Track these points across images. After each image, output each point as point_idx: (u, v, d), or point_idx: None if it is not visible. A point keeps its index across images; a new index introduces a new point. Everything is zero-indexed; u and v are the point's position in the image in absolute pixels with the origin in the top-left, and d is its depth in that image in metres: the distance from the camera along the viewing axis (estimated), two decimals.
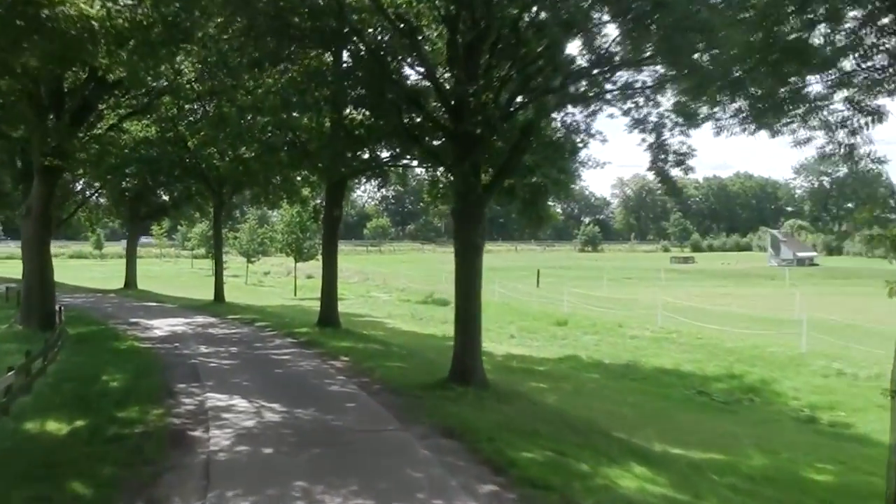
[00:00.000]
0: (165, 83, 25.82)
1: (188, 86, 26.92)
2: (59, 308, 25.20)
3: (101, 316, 29.73)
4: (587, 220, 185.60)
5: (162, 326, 25.87)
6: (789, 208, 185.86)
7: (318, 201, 33.66)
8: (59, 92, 23.53)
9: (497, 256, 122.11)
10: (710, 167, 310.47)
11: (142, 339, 23.15)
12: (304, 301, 45.94)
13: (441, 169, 22.78)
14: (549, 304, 44.49)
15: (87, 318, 28.26)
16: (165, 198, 41.54)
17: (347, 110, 21.02)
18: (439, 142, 18.70)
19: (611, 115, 15.80)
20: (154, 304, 34.89)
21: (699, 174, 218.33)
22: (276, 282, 63.58)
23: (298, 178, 32.79)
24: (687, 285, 64.75)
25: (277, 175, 30.09)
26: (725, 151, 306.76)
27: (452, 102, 15.77)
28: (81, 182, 42.40)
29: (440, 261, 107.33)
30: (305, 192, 35.25)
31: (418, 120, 18.22)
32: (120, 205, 41.09)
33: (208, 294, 43.91)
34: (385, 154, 24.84)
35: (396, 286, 57.12)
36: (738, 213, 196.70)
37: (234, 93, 23.55)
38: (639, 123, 14.70)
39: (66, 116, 23.53)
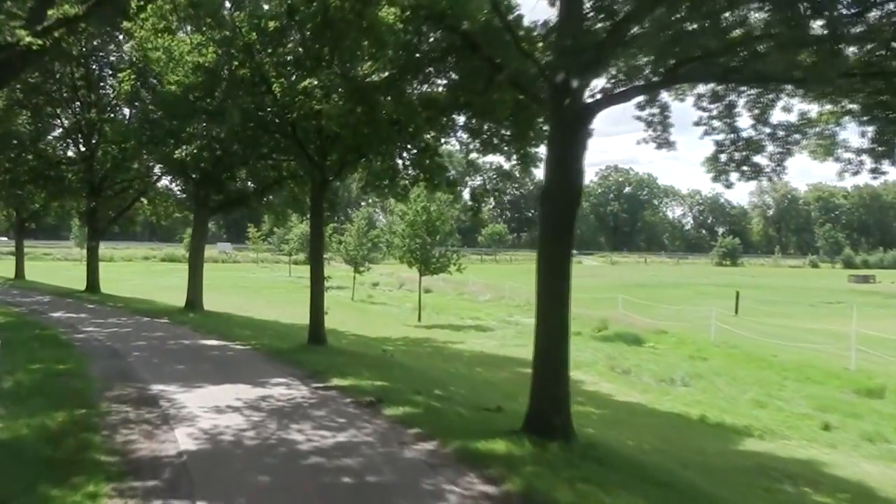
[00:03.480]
0: None
1: None
2: None
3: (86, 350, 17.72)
4: (721, 230, 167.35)
5: (192, 422, 13.04)
6: None
7: (481, 184, 21.00)
8: None
9: (631, 269, 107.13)
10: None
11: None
12: (433, 329, 33.19)
13: None
14: (785, 345, 30.16)
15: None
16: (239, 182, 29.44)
17: None
18: None
19: None
20: (215, 342, 22.45)
21: (847, 182, 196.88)
22: (387, 297, 51.17)
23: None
24: None
25: (420, 130, 17.28)
26: None
27: None
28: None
29: None
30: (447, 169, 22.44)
31: None
32: (186, 188, 29.47)
33: (302, 314, 31.83)
34: None
35: None
36: (893, 225, 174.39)
37: None
38: None
39: None
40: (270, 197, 30.38)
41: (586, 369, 23.89)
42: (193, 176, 27.08)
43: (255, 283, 58.82)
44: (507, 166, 19.98)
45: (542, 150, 18.48)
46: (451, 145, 22.05)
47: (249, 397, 12.77)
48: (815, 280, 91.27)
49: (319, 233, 20.17)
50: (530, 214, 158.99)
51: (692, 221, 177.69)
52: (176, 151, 22.05)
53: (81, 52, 30.52)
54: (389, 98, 14.91)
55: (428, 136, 20.53)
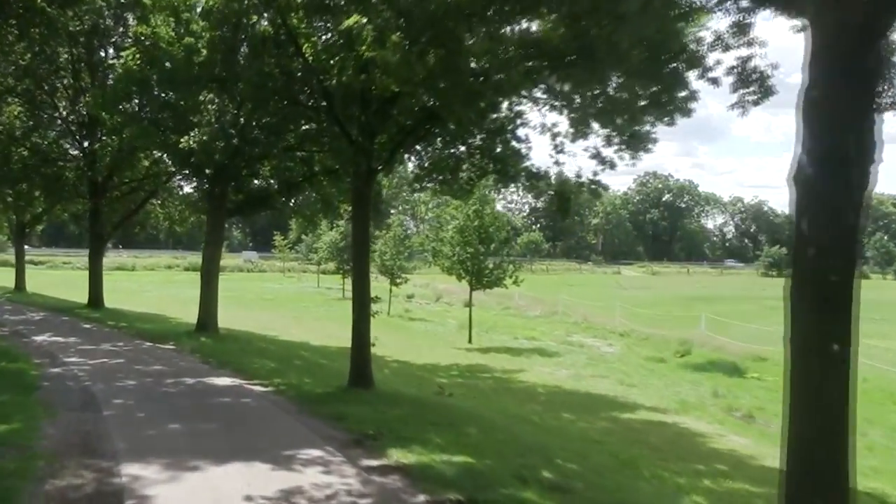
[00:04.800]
0: None
1: None
2: None
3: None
4: (762, 238, 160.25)
5: None
6: None
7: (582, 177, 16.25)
8: None
9: (675, 280, 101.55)
10: None
11: None
12: (488, 353, 28.28)
13: None
14: None
15: None
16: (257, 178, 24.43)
17: None
18: None
19: None
20: (228, 381, 17.42)
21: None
22: (425, 311, 46.30)
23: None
24: None
25: (516, 87, 12.32)
26: None
27: None
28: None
29: (607, 283, 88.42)
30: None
31: None
32: (198, 186, 24.71)
33: (334, 332, 27.47)
34: None
35: (606, 326, 38.58)
36: None
37: None
38: None
39: None
40: (300, 197, 25.70)
41: (697, 413, 18.85)
42: (207, 171, 22.44)
43: (281, 295, 54.33)
44: (607, 152, 15.11)
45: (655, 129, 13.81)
46: (531, 125, 17.21)
47: (269, 493, 8.03)
48: (880, 292, 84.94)
49: (363, 240, 15.35)
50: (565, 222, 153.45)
51: (734, 230, 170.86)
52: (182, 138, 17.39)
53: (80, 30, 26.12)
54: (474, 39, 10.08)
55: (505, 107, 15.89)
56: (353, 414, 12.15)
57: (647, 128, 13.84)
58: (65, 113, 28.17)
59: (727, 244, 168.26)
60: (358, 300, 15.19)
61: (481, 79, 10.66)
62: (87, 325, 24.46)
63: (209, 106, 17.83)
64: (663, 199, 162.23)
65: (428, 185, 19.28)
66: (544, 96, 13.92)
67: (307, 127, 20.12)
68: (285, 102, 15.29)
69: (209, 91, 16.52)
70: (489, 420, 13.89)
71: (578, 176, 16.35)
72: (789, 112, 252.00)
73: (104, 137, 25.23)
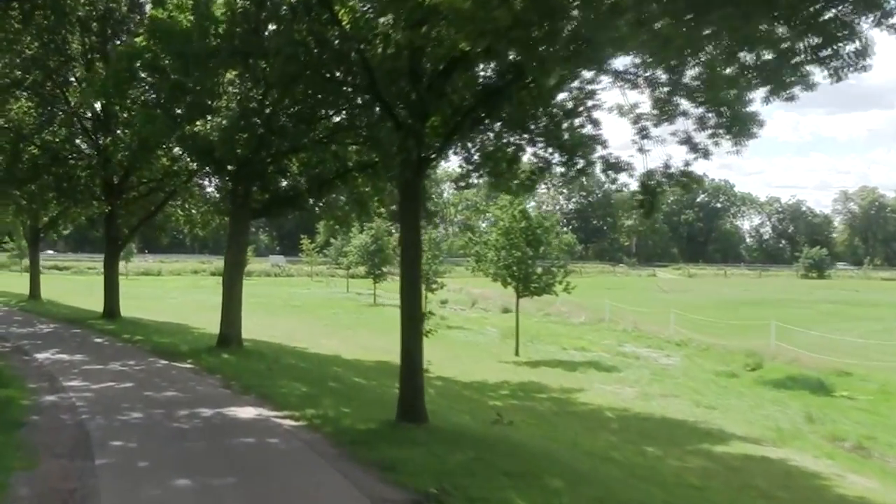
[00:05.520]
0: None
1: None
2: None
3: None
4: (801, 238, 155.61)
5: None
6: None
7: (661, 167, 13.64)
8: None
9: (714, 283, 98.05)
10: None
11: None
12: (539, 367, 25.66)
13: None
14: None
15: None
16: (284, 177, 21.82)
17: None
18: None
19: None
20: (252, 412, 15.05)
21: None
22: (462, 318, 43.67)
23: None
24: None
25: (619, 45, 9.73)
26: None
27: None
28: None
29: (646, 287, 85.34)
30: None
31: None
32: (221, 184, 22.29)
33: (369, 343, 25.31)
34: None
35: (660, 335, 35.72)
36: None
37: None
38: None
39: None
40: (330, 197, 23.24)
41: (798, 444, 16.10)
42: (229, 168, 20.08)
43: (310, 300, 51.98)
44: (700, 138, 12.47)
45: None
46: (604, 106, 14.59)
47: None
48: None
49: (413, 242, 12.72)
50: (597, 223, 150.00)
51: (770, 231, 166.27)
52: (198, 123, 14.98)
53: (92, 16, 23.92)
54: None
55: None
56: (407, 461, 9.65)
57: (752, 108, 11.35)
58: (77, 107, 25.97)
59: (763, 245, 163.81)
60: (407, 314, 12.60)
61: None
62: (99, 339, 22.18)
63: (230, 88, 15.38)
64: (697, 199, 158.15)
65: (478, 180, 16.71)
66: (633, 67, 11.35)
67: (340, 118, 17.72)
68: (318, 80, 12.71)
69: (230, 69, 14.05)
70: (569, 465, 11.29)
71: (667, 166, 13.68)
72: (818, 112, 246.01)
73: (118, 132, 22.97)
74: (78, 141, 27.27)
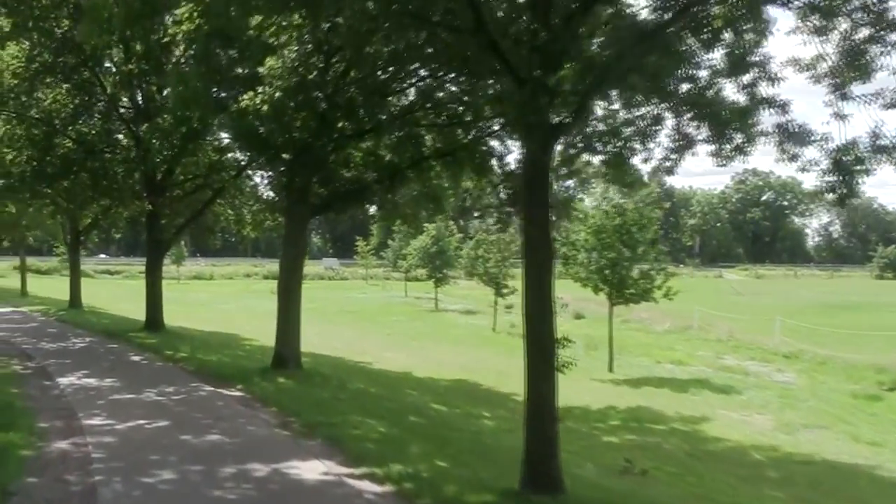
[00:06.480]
0: None
1: None
2: None
3: None
4: (873, 237, 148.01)
5: None
6: None
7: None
8: None
9: (785, 284, 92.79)
10: None
11: None
12: (641, 387, 22.04)
13: None
14: None
15: None
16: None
17: None
18: None
19: None
20: (322, 474, 11.82)
21: None
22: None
23: None
24: None
25: None
26: None
27: None
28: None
29: (717, 289, 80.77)
30: None
31: None
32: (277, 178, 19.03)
33: (442, 356, 22.24)
34: None
35: (762, 345, 31.72)
36: None
37: None
38: None
39: None
40: (400, 191, 19.89)
41: None
42: (284, 157, 16.94)
43: (367, 306, 48.96)
44: None
45: None
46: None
47: None
48: None
49: (542, 244, 9.22)
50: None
51: (840, 229, 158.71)
52: (246, 96, 11.81)
53: None
54: None
55: None
56: None
57: None
58: (114, 94, 23.12)
59: (833, 245, 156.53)
60: (536, 342, 9.17)
61: None
62: (136, 357, 19.23)
63: (284, 52, 12.18)
64: (763, 197, 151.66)
65: (588, 167, 13.12)
66: None
67: (424, 84, 14.41)
68: (405, 21, 9.33)
69: (286, 16, 10.81)
70: None
71: (875, 135, 10.01)
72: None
73: (157, 119, 19.99)
74: (119, 135, 24.42)
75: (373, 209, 25.14)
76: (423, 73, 14.02)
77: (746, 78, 10.90)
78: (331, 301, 48.25)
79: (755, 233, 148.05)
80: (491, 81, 10.59)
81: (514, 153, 15.57)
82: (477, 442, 12.17)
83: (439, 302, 48.73)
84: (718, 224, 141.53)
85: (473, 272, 40.00)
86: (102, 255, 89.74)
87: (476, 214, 20.44)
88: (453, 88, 14.93)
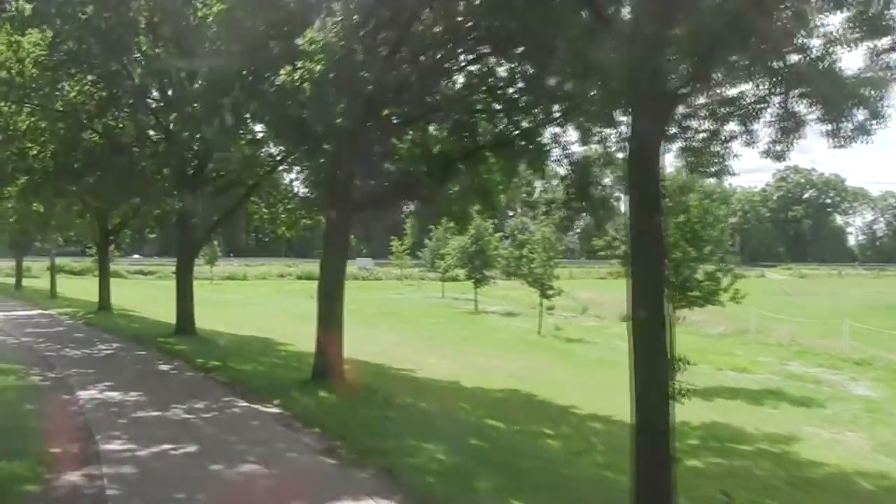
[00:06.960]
0: None
1: None
2: None
3: None
4: None
5: None
6: None
7: None
8: None
9: (833, 284, 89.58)
10: None
11: None
12: (711, 399, 20.19)
13: None
14: None
15: None
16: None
17: None
18: None
19: None
20: None
21: None
22: (578, 329, 38.16)
23: None
24: None
25: None
26: None
27: None
28: None
29: (763, 289, 77.83)
30: None
31: None
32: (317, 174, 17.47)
33: (488, 363, 20.82)
34: None
35: (829, 350, 29.63)
36: None
37: None
38: None
39: None
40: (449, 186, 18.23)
41: None
42: (325, 147, 15.41)
43: (405, 307, 47.38)
44: None
45: None
46: None
47: None
48: None
49: (653, 239, 7.61)
50: None
51: (885, 227, 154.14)
52: (282, 71, 10.29)
53: None
54: None
55: None
56: None
57: None
58: (143, 84, 21.76)
59: (877, 243, 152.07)
60: (648, 360, 7.55)
61: None
62: (165, 367, 17.82)
63: (326, 21, 10.62)
64: (805, 195, 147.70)
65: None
66: None
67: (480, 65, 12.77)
68: None
69: None
70: None
71: None
72: None
73: (188, 108, 18.54)
74: (148, 130, 23.06)
75: (412, 207, 23.69)
76: (483, 49, 12.38)
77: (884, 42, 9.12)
78: (367, 302, 46.71)
79: (797, 231, 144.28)
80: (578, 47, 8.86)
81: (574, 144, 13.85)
82: (552, 473, 10.52)
83: (479, 303, 47.07)
84: (759, 222, 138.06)
85: (516, 273, 38.30)
86: (136, 256, 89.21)
87: (543, 210, 18.71)
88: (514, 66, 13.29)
